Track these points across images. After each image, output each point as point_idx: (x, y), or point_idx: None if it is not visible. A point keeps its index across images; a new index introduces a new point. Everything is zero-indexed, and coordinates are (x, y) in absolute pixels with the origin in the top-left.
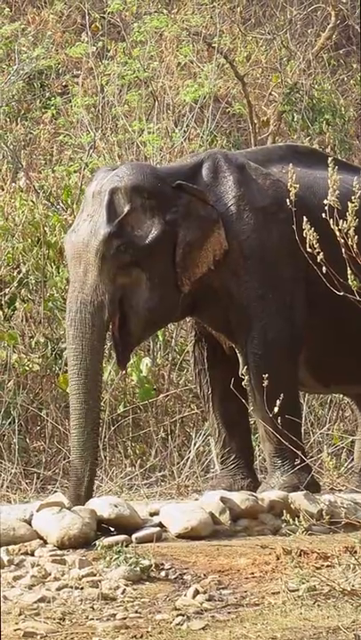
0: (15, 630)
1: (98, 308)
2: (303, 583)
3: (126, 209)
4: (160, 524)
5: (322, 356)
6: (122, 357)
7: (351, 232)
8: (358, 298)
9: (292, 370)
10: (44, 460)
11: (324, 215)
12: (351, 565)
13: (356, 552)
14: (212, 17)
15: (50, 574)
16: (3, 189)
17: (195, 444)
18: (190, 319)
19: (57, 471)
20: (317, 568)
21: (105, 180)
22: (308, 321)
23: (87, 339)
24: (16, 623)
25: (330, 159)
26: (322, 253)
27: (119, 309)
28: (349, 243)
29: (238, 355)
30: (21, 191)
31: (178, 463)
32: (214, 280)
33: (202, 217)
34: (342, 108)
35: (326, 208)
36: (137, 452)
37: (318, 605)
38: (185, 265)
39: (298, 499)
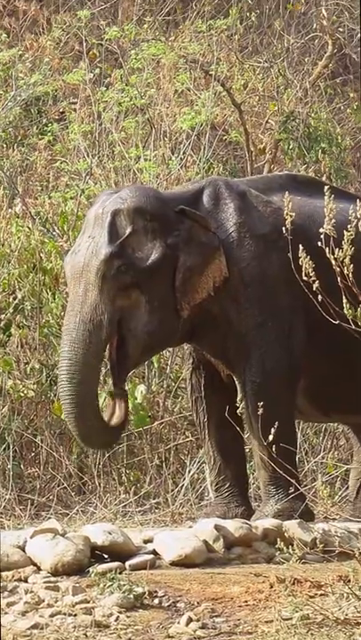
0: None
1: (97, 327)
2: (297, 612)
3: (128, 230)
4: (154, 552)
5: (321, 384)
6: (117, 380)
7: (347, 261)
8: (353, 327)
9: (289, 399)
10: (38, 487)
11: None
12: (345, 594)
13: (349, 581)
14: (209, 44)
15: (43, 601)
16: None
17: (189, 472)
18: (188, 346)
19: (51, 497)
20: (311, 597)
21: (108, 202)
22: (308, 349)
23: (81, 355)
24: None
25: (326, 187)
26: (321, 282)
27: (117, 332)
28: (345, 272)
29: (236, 382)
30: (17, 217)
31: (172, 490)
32: (214, 306)
33: (203, 243)
34: (339, 137)
35: (322, 237)
36: (131, 479)
37: (312, 634)
38: (184, 290)
39: (292, 527)
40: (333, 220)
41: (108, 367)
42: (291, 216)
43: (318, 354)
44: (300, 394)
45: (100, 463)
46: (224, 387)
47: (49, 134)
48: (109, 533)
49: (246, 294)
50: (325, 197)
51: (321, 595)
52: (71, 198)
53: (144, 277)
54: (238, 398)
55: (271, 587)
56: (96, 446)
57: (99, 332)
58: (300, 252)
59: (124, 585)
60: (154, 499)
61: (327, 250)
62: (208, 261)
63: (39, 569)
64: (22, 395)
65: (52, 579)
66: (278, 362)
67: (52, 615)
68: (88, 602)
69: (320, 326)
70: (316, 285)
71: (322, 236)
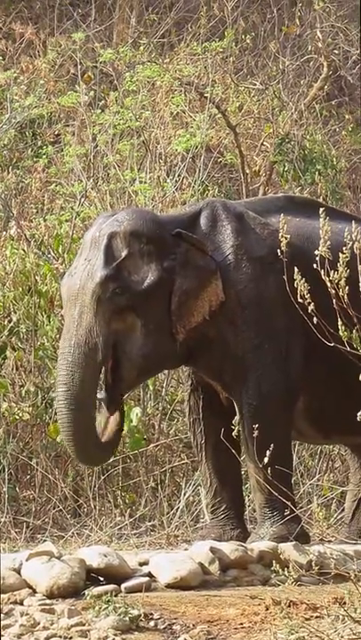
0: None
1: (92, 350)
2: (292, 634)
3: (124, 253)
4: (149, 574)
5: (321, 406)
6: (111, 403)
7: (343, 283)
8: (349, 349)
9: (286, 421)
10: (33, 509)
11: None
12: (340, 617)
13: (345, 603)
14: (204, 67)
15: (39, 623)
16: None
17: (185, 494)
18: (187, 368)
19: (46, 520)
20: (307, 619)
21: (104, 224)
22: (306, 371)
23: (78, 375)
24: None
25: (321, 210)
26: (320, 303)
27: (112, 354)
28: (340, 293)
29: (235, 405)
30: (12, 240)
31: (167, 513)
32: (210, 329)
33: (200, 267)
34: (334, 159)
35: (318, 258)
36: (127, 501)
37: None
38: (180, 313)
39: (287, 549)
40: (331, 242)
41: (104, 389)
42: (286, 238)
43: (317, 375)
44: (301, 416)
45: (95, 486)
46: (223, 409)
47: (44, 157)
48: (105, 556)
49: (243, 317)
50: (321, 219)
51: (317, 617)
52: (66, 221)
53: (140, 300)
54: (234, 420)
55: (267, 609)
56: (92, 464)
57: (94, 355)
58: (295, 273)
59: (120, 607)
60: (149, 521)
61: (322, 272)
62: (204, 285)
63: (35, 591)
64: (17, 417)
65: (48, 601)
66: (275, 384)
67: (47, 638)
68: (84, 624)
69: (318, 348)
70: (311, 308)
71: (317, 258)
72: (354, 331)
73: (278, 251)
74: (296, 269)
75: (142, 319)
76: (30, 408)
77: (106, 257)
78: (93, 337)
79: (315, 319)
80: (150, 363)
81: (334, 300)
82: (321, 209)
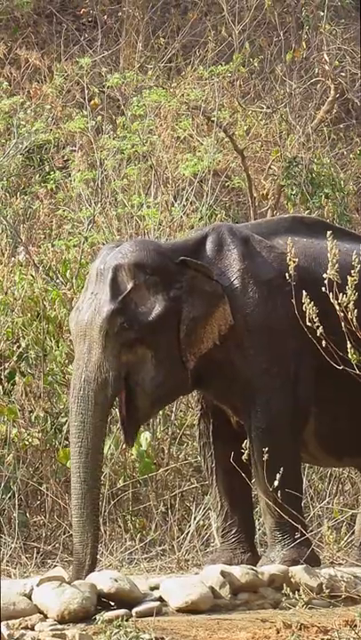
0: None
1: (101, 386)
2: None
3: (130, 286)
4: (160, 598)
5: (333, 428)
6: (129, 434)
7: (351, 306)
8: (359, 372)
9: (294, 444)
10: (44, 535)
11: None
12: (351, 639)
13: (356, 626)
14: (211, 91)
15: None
16: (2, 263)
17: (195, 519)
18: (197, 393)
19: (57, 545)
20: None
21: (108, 257)
22: (317, 393)
23: (90, 416)
24: None
25: (329, 232)
26: (328, 325)
27: (125, 386)
28: (349, 316)
29: (245, 428)
30: (21, 265)
31: (178, 537)
32: (219, 353)
33: (207, 292)
34: (342, 182)
35: (326, 282)
36: (137, 526)
37: None
38: (189, 341)
39: (298, 572)
40: (339, 263)
41: (120, 422)
42: (294, 261)
43: (328, 397)
44: (312, 438)
45: (105, 510)
46: (233, 433)
47: (51, 182)
48: (115, 580)
49: (251, 340)
50: (329, 242)
51: None
52: (74, 246)
53: (148, 332)
54: (245, 444)
55: (278, 632)
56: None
57: (104, 391)
58: (304, 296)
59: (131, 632)
60: (160, 545)
61: (331, 295)
62: (212, 311)
63: (46, 617)
64: (27, 443)
65: (59, 626)
66: (283, 407)
67: None
68: None
69: (329, 370)
70: (320, 331)
71: (325, 282)
72: None
73: (285, 273)
74: (310, 290)
75: (152, 350)
76: (40, 433)
77: (112, 290)
78: (103, 372)
79: (323, 342)
80: (163, 392)
81: (343, 323)
82: (333, 229)
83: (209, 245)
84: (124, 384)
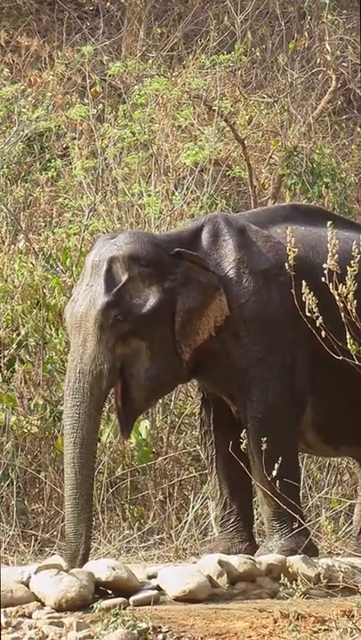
0: None
1: (96, 378)
2: None
3: (124, 278)
4: (158, 587)
5: (329, 417)
6: (125, 426)
7: (351, 296)
8: (357, 362)
9: (291, 434)
10: (42, 523)
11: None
12: (349, 629)
13: (353, 616)
14: (213, 80)
15: (47, 636)
16: (2, 251)
17: (193, 508)
18: (197, 382)
19: (55, 533)
20: (315, 632)
21: (103, 249)
22: (314, 383)
23: (84, 408)
24: None
25: (329, 223)
26: (326, 314)
27: (120, 378)
28: (348, 307)
29: (242, 418)
30: (21, 253)
31: (176, 526)
32: (214, 344)
33: (202, 283)
34: (343, 173)
35: (326, 272)
36: (135, 514)
37: None
38: (185, 333)
39: (296, 562)
40: (338, 251)
41: (116, 414)
42: (294, 252)
43: (325, 386)
44: (309, 427)
45: (103, 499)
46: (234, 422)
47: (52, 170)
48: (113, 569)
49: (246, 330)
50: (328, 232)
51: (325, 630)
52: (74, 234)
53: (143, 324)
54: (242, 434)
55: (275, 622)
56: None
57: (99, 383)
58: (302, 286)
59: (128, 620)
60: (158, 534)
61: (331, 285)
62: (208, 302)
63: (43, 605)
64: (26, 431)
65: (56, 614)
66: (280, 397)
67: None
68: (92, 637)
69: (325, 359)
70: (319, 321)
71: (325, 272)
72: None
73: (282, 263)
74: (307, 279)
75: (147, 342)
76: (39, 421)
77: (107, 283)
78: (98, 365)
79: (322, 332)
80: (158, 384)
81: (342, 313)
82: (333, 217)
83: (205, 236)
84: (119, 376)
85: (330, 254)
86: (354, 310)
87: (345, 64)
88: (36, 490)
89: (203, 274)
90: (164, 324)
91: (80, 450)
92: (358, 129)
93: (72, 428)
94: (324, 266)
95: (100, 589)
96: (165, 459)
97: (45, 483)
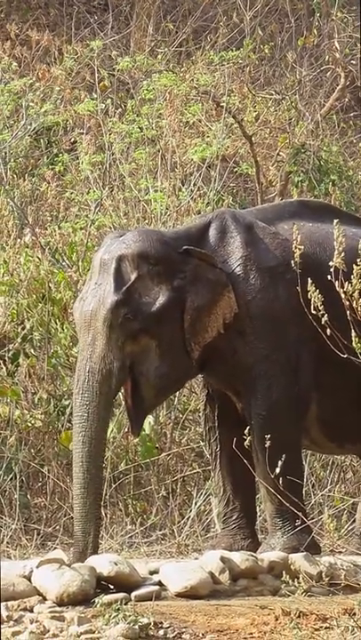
0: None
1: (105, 377)
2: None
3: (133, 276)
4: (159, 583)
5: (334, 415)
6: (135, 424)
7: (356, 294)
8: None
9: (295, 431)
10: (44, 517)
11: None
12: (350, 627)
13: (355, 614)
14: (221, 76)
15: (48, 631)
16: (8, 245)
17: (196, 504)
18: (202, 378)
19: (57, 528)
20: (316, 630)
21: (112, 247)
22: (319, 380)
23: (94, 407)
24: None
25: (336, 221)
26: (332, 311)
27: (130, 377)
28: (354, 305)
29: (246, 414)
30: (27, 247)
31: (178, 522)
32: (221, 340)
33: (211, 281)
34: (350, 170)
35: (332, 270)
36: (138, 510)
37: None
38: (194, 330)
39: (298, 560)
40: (345, 248)
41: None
42: (300, 248)
43: (330, 384)
44: (314, 425)
45: (106, 494)
46: (238, 418)
47: (59, 164)
48: (115, 564)
49: (252, 327)
50: (335, 230)
51: (326, 628)
52: (81, 229)
53: (152, 323)
54: (246, 430)
55: (276, 619)
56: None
57: (109, 382)
58: (308, 284)
59: (130, 616)
60: (160, 530)
61: (337, 283)
62: (216, 299)
63: (45, 599)
64: (30, 425)
65: (58, 609)
66: (284, 394)
67: None
68: (93, 632)
69: (331, 356)
70: (325, 319)
71: (331, 270)
72: None
73: (289, 260)
74: (314, 276)
75: (156, 340)
76: (42, 415)
77: (116, 281)
78: (107, 363)
79: (328, 330)
80: (168, 381)
81: (348, 312)
82: (341, 214)
83: (212, 232)
84: (128, 375)
85: (336, 252)
86: (360, 308)
87: (354, 62)
88: (39, 484)
89: (211, 271)
90: (173, 322)
91: (89, 449)
92: None
93: (81, 427)
94: (331, 263)
95: (102, 584)
96: (169, 454)
97: (48, 477)
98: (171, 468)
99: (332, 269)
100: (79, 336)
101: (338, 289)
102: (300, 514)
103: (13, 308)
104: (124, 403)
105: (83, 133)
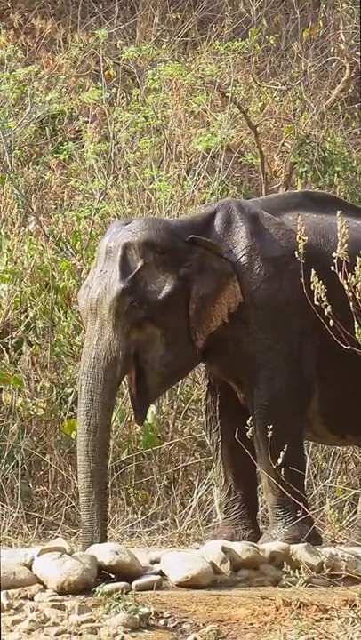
0: None
1: (111, 364)
2: (302, 635)
3: (139, 264)
4: (160, 572)
5: (337, 407)
6: (139, 413)
7: (359, 286)
8: None
9: (297, 422)
10: (46, 505)
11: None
12: (350, 619)
13: (355, 606)
14: (226, 66)
15: (49, 619)
16: (12, 233)
17: (197, 493)
18: (204, 367)
19: (59, 516)
20: (316, 621)
21: (118, 234)
22: (321, 371)
23: (98, 394)
24: None
25: (339, 212)
26: (335, 302)
27: (135, 365)
28: (357, 296)
29: (248, 405)
30: (31, 235)
31: (180, 512)
32: (225, 330)
33: (216, 270)
34: (354, 161)
35: (335, 261)
36: (139, 499)
37: None
38: (199, 319)
39: (299, 551)
40: (349, 239)
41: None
42: (304, 240)
43: (333, 375)
44: (316, 416)
45: (108, 483)
46: (240, 408)
47: (64, 153)
48: (116, 553)
49: (256, 317)
50: (338, 221)
51: (327, 619)
52: (85, 217)
53: (157, 311)
54: (249, 420)
55: (277, 610)
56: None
57: (114, 369)
58: (312, 274)
59: (130, 605)
60: (161, 519)
61: (340, 274)
62: (222, 289)
63: (45, 587)
64: (32, 413)
65: (58, 597)
66: (286, 385)
67: (57, 634)
68: (94, 621)
69: (333, 348)
70: (328, 310)
71: (335, 261)
72: None
73: (293, 251)
74: (317, 267)
75: (162, 329)
76: (45, 404)
77: (122, 269)
78: (113, 351)
79: (331, 321)
80: (172, 370)
81: (351, 303)
82: (344, 204)
83: (217, 222)
84: (133, 363)
85: (339, 243)
86: None
87: (359, 53)
88: (41, 472)
89: (216, 260)
90: (178, 311)
91: (93, 437)
92: None
93: (86, 415)
94: (334, 254)
95: (103, 573)
96: (171, 444)
97: (50, 465)
98: (173, 458)
99: (335, 260)
100: (85, 323)
101: (341, 280)
102: (301, 504)
103: (17, 296)
104: (128, 391)
105: (88, 122)
